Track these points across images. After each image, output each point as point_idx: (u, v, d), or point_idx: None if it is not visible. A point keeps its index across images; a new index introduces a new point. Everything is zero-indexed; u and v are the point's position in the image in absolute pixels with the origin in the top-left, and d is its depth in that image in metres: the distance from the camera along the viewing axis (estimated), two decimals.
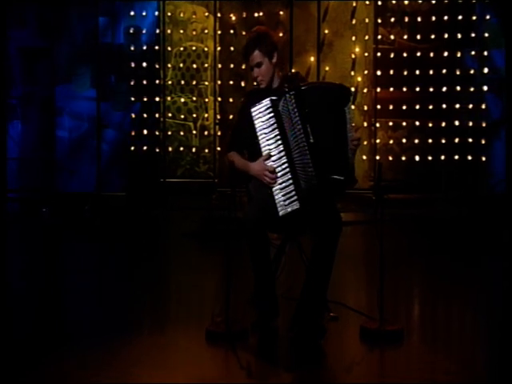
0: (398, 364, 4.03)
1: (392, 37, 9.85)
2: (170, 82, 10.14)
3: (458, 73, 9.71)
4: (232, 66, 9.95)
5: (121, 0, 10.04)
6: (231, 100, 9.93)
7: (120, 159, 10.05)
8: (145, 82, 10.03)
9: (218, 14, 9.92)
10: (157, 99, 10.02)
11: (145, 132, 10.02)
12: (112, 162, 10.02)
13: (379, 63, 9.77)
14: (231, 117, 9.70)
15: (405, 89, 9.78)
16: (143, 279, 5.98)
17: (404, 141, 9.83)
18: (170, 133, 10.10)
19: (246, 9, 9.95)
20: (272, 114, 4.25)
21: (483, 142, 9.69)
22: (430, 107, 9.76)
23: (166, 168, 9.94)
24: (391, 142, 9.86)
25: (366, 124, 9.87)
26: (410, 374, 3.84)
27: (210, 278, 6.01)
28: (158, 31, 10.03)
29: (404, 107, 9.80)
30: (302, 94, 4.18)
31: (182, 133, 10.15)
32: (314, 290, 4.29)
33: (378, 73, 9.73)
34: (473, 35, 9.70)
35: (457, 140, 9.71)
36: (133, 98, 10.06)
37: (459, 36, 9.69)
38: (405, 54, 9.81)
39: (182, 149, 10.14)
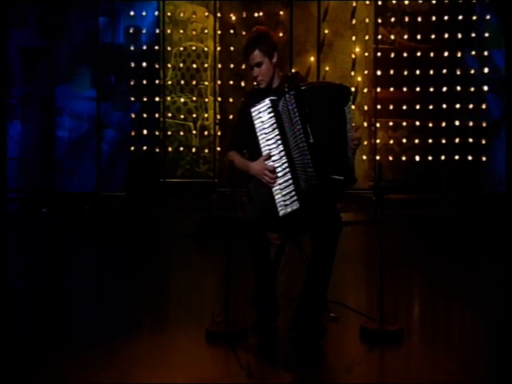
0: (398, 364, 4.03)
1: (392, 37, 9.85)
2: (169, 82, 10.13)
3: (458, 73, 9.71)
4: (232, 65, 9.95)
5: (121, 0, 10.04)
6: (231, 100, 9.93)
7: (120, 159, 10.04)
8: (145, 82, 10.02)
9: (218, 14, 9.92)
10: (157, 99, 10.02)
11: (145, 132, 10.01)
12: (112, 162, 10.01)
13: (379, 63, 9.76)
14: (231, 117, 9.70)
15: (405, 89, 9.78)
16: (143, 279, 5.98)
17: (404, 141, 9.83)
18: (169, 133, 10.10)
19: (246, 9, 9.95)
20: (272, 114, 4.25)
21: (483, 142, 9.69)
22: (431, 107, 9.75)
23: (165, 168, 9.93)
24: (391, 142, 9.85)
25: (366, 124, 9.87)
26: (410, 374, 3.84)
27: (210, 278, 6.01)
28: (157, 31, 10.02)
29: (404, 107, 9.79)
30: (302, 93, 4.18)
31: (181, 133, 10.15)
32: (314, 290, 4.28)
33: (378, 73, 9.73)
34: (473, 35, 9.70)
35: (457, 140, 9.70)
36: (133, 98, 10.05)
37: (459, 36, 9.69)
38: (405, 54, 9.81)
39: (181, 149, 10.13)
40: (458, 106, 9.65)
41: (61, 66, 10.05)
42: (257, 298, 4.44)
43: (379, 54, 9.78)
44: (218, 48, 9.93)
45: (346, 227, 7.03)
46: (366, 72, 9.91)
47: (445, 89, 9.71)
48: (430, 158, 9.75)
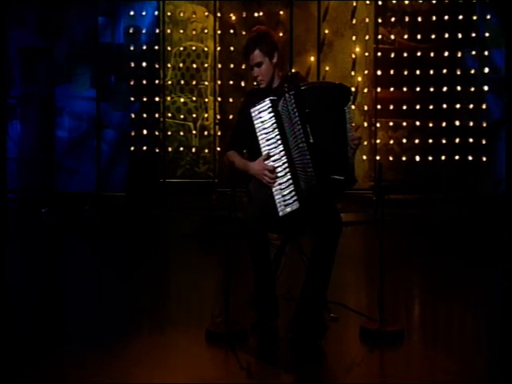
0: (398, 364, 4.03)
1: (392, 36, 9.84)
2: (169, 82, 10.13)
3: (458, 73, 9.71)
4: (232, 65, 9.95)
5: (120, 0, 10.03)
6: (231, 100, 9.92)
7: (120, 159, 10.04)
8: (144, 82, 10.02)
9: (218, 14, 9.92)
10: (156, 99, 10.02)
11: (144, 132, 10.01)
12: (112, 162, 10.01)
13: (379, 63, 9.76)
14: (231, 117, 9.69)
15: (405, 89, 9.78)
16: (143, 279, 5.97)
17: (404, 141, 9.82)
18: (169, 133, 10.10)
19: (246, 9, 9.95)
20: (272, 114, 4.24)
21: (484, 142, 9.68)
22: (431, 107, 9.75)
23: (165, 168, 9.93)
24: (391, 142, 9.85)
25: (366, 124, 9.87)
26: (410, 375, 3.83)
27: (210, 278, 6.00)
28: (157, 31, 10.02)
29: (404, 107, 9.79)
30: (302, 93, 4.18)
31: (181, 133, 10.15)
32: (313, 291, 4.28)
33: (379, 73, 9.73)
34: (473, 35, 9.69)
35: (457, 140, 9.70)
36: (132, 98, 10.05)
37: (460, 36, 9.69)
38: (405, 54, 9.81)
39: (181, 149, 10.13)
40: (458, 106, 9.65)
41: (60, 65, 10.05)
42: (257, 299, 4.43)
43: (379, 53, 9.78)
44: (218, 48, 9.93)
45: (346, 227, 7.04)
46: (366, 72, 9.91)
47: (445, 89, 9.71)
48: (430, 158, 9.75)
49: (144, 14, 10.06)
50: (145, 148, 10.02)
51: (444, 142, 9.72)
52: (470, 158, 9.66)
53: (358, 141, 4.29)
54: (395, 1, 9.86)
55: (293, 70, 8.79)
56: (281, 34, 9.64)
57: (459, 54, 9.71)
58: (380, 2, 9.76)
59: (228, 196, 8.66)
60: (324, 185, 4.13)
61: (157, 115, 10.03)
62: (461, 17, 9.70)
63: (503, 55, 9.47)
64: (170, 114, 10.11)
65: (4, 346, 4.21)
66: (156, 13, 10.02)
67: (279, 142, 4.23)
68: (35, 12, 10.04)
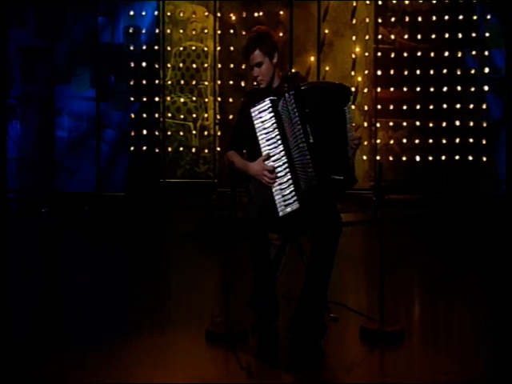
0: (398, 364, 4.03)
1: (392, 36, 9.84)
2: (169, 82, 10.13)
3: (458, 73, 9.70)
4: (232, 65, 9.94)
5: (120, 0, 10.03)
6: (231, 100, 9.92)
7: (120, 159, 10.04)
8: (144, 82, 10.02)
9: (218, 14, 9.92)
10: (156, 99, 10.02)
11: (144, 132, 10.01)
12: (112, 162, 10.01)
13: (379, 63, 9.76)
14: (231, 117, 9.69)
15: (405, 89, 9.77)
16: (143, 279, 5.97)
17: (404, 141, 9.82)
18: (169, 133, 10.10)
19: (246, 8, 9.94)
20: (272, 114, 4.24)
21: (484, 142, 9.68)
22: (431, 107, 9.75)
23: (165, 168, 9.93)
24: (392, 142, 9.85)
25: (366, 124, 9.86)
26: (410, 375, 3.83)
27: (210, 278, 6.00)
28: (157, 31, 10.02)
29: (404, 107, 9.79)
30: (302, 93, 4.17)
31: (181, 133, 10.15)
32: (313, 291, 4.28)
33: (379, 73, 9.72)
34: (473, 35, 9.69)
35: (457, 140, 9.70)
36: (132, 98, 10.05)
37: (460, 36, 9.69)
38: (405, 54, 9.81)
39: (181, 149, 10.13)
40: (458, 106, 9.64)
41: (60, 65, 10.05)
42: (257, 299, 4.43)
43: (379, 53, 9.78)
44: (218, 48, 9.92)
45: (346, 227, 7.05)
46: (366, 72, 9.91)
47: (445, 89, 9.70)
48: (430, 158, 9.75)
49: (144, 13, 10.06)
50: (145, 148, 10.02)
51: (444, 142, 9.71)
52: (471, 158, 9.66)
53: (358, 141, 4.29)
54: (395, 1, 9.85)
55: (293, 70, 8.78)
56: (281, 34, 9.63)
57: (459, 54, 9.71)
58: (380, 2, 9.76)
59: (228, 196, 8.65)
60: (324, 185, 4.12)
61: (157, 115, 10.02)
62: (461, 17, 9.70)
63: (503, 55, 9.46)
64: (169, 114, 10.10)
65: (4, 346, 4.21)
66: (156, 13, 10.02)
67: (279, 142, 4.22)
68: (35, 12, 10.04)
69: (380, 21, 9.77)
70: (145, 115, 10.03)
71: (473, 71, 9.73)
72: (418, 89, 9.75)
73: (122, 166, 10.00)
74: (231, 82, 9.98)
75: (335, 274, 4.36)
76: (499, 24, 9.61)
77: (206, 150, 10.07)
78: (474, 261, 6.69)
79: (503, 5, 9.38)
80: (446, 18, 9.73)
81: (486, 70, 9.68)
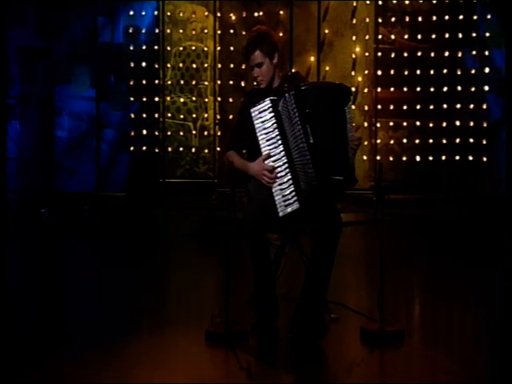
0: (399, 364, 4.02)
1: (393, 36, 9.84)
2: (169, 82, 10.12)
3: (458, 73, 9.70)
4: (232, 65, 9.94)
5: (120, 0, 10.03)
6: (231, 100, 9.91)
7: (119, 159, 10.04)
8: (144, 82, 10.02)
9: (218, 14, 9.91)
10: (156, 99, 10.01)
11: (144, 132, 10.01)
12: (111, 162, 10.01)
13: (380, 63, 9.75)
14: (231, 117, 9.68)
15: (405, 89, 9.77)
16: (143, 279, 5.97)
17: (405, 141, 9.82)
18: (169, 133, 10.09)
19: (246, 8, 9.94)
20: (272, 114, 4.24)
21: (484, 142, 9.67)
22: (431, 107, 9.74)
23: (165, 168, 9.93)
24: (392, 142, 9.85)
25: (366, 124, 9.86)
26: (410, 375, 3.83)
27: (210, 278, 6.00)
28: (157, 31, 10.01)
29: (405, 107, 9.78)
30: (302, 94, 4.17)
31: (181, 133, 10.14)
32: (313, 291, 4.28)
33: (379, 73, 9.72)
34: (474, 35, 9.68)
35: (458, 140, 9.69)
36: (132, 98, 10.05)
37: (460, 36, 9.68)
38: (405, 54, 9.80)
39: (181, 149, 10.13)
40: (458, 106, 9.64)
41: (60, 65, 10.05)
42: (257, 299, 4.43)
43: (379, 53, 9.78)
44: (218, 48, 9.92)
45: (346, 227, 7.04)
46: (366, 72, 9.90)
47: (445, 89, 9.70)
48: (430, 158, 9.74)
49: (144, 13, 10.06)
50: (144, 148, 10.02)
51: (444, 142, 9.71)
52: (471, 158, 9.66)
53: (358, 142, 4.28)
54: (395, 1, 9.85)
55: (293, 70, 8.77)
56: (281, 34, 9.63)
57: (459, 54, 9.70)
58: (380, 2, 9.75)
59: (228, 196, 8.64)
60: (324, 185, 4.12)
61: (156, 115, 10.02)
62: (461, 17, 9.69)
63: (503, 55, 9.46)
64: (169, 114, 10.10)
65: (4, 346, 4.21)
66: (156, 13, 10.02)
67: (279, 142, 4.22)
68: (35, 12, 10.04)
69: (380, 21, 9.76)
70: (145, 115, 10.03)
71: (473, 71, 9.72)
72: (419, 89, 9.74)
73: (122, 166, 10.00)
74: (231, 82, 9.97)
75: (335, 274, 4.36)
76: (499, 24, 9.61)
77: (206, 150, 10.06)
78: (474, 261, 6.68)
79: (503, 5, 9.38)
80: (446, 17, 9.72)
81: (487, 69, 9.67)
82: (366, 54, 9.88)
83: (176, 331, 4.48)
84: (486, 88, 9.66)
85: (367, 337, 4.33)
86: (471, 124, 9.66)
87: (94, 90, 9.85)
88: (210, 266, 6.49)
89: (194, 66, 10.11)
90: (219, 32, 9.93)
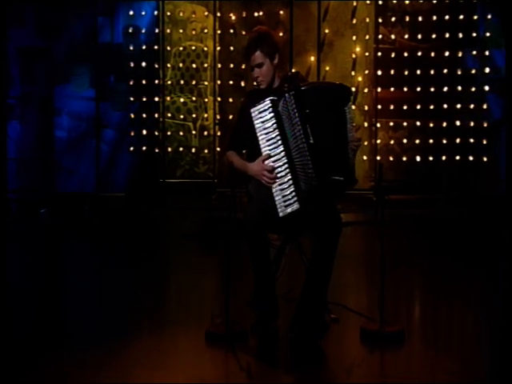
0: (399, 365, 4.02)
1: (393, 36, 9.83)
2: (169, 82, 10.12)
3: (459, 73, 9.69)
4: (232, 65, 9.93)
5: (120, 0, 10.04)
6: (231, 100, 9.91)
7: (119, 159, 10.03)
8: (144, 82, 10.01)
9: (218, 14, 9.91)
10: (156, 99, 10.01)
11: (144, 132, 10.00)
12: (111, 163, 10.01)
13: (380, 63, 9.75)
14: (231, 117, 9.67)
15: (406, 89, 9.77)
16: (143, 279, 5.96)
17: (405, 141, 9.81)
18: (169, 133, 10.09)
19: (246, 8, 9.93)
20: (272, 115, 4.23)
21: (484, 142, 9.67)
22: (431, 107, 9.74)
23: (165, 168, 9.92)
24: (392, 142, 9.84)
25: (366, 124, 9.85)
26: (410, 375, 3.83)
27: (210, 278, 6.00)
28: (157, 31, 10.01)
29: (405, 107, 9.78)
30: (302, 94, 4.17)
31: (181, 133, 10.14)
32: (314, 291, 4.28)
33: (379, 73, 9.71)
34: (474, 35, 9.68)
35: (458, 140, 9.69)
36: (132, 98, 10.05)
37: (460, 36, 9.67)
38: (406, 54, 9.80)
39: (181, 149, 10.12)
40: (458, 106, 9.63)
41: (60, 65, 10.04)
42: (257, 299, 4.42)
43: (380, 53, 9.77)
44: (218, 48, 9.91)
45: (347, 228, 7.04)
46: (366, 72, 9.90)
47: (445, 89, 9.69)
48: (430, 158, 9.74)
49: (143, 13, 10.05)
50: (144, 148, 10.02)
51: (445, 142, 9.70)
52: (471, 158, 9.65)
53: (358, 142, 4.28)
54: (396, 0, 9.84)
55: (293, 70, 8.77)
56: (281, 34, 9.62)
57: (460, 54, 9.70)
58: (380, 2, 9.75)
59: (228, 196, 8.62)
60: (324, 185, 4.12)
61: (156, 115, 10.02)
62: (461, 17, 9.69)
63: (504, 55, 9.45)
64: (169, 114, 10.10)
65: (4, 346, 4.20)
66: (155, 12, 10.01)
67: (279, 142, 4.21)
68: (35, 12, 10.03)
69: (380, 21, 9.76)
70: (144, 115, 10.03)
71: (473, 71, 9.72)
72: (419, 89, 9.74)
73: (122, 166, 10.00)
74: (231, 82, 9.97)
75: (335, 274, 4.36)
76: (499, 24, 9.60)
77: (206, 150, 10.06)
78: (475, 261, 6.68)
79: (503, 5, 9.37)
80: (447, 17, 9.72)
81: (487, 69, 9.67)
82: (366, 53, 9.88)
83: (176, 331, 4.48)
84: (487, 88, 9.66)
85: (367, 337, 4.33)
86: (471, 124, 9.66)
87: (94, 90, 9.84)
88: (210, 266, 6.49)
89: (194, 65, 10.11)
90: (219, 32, 9.92)
